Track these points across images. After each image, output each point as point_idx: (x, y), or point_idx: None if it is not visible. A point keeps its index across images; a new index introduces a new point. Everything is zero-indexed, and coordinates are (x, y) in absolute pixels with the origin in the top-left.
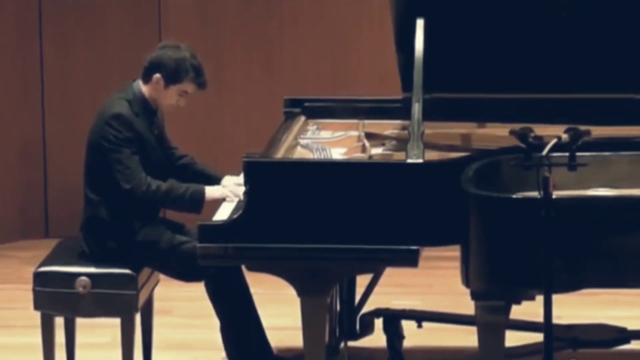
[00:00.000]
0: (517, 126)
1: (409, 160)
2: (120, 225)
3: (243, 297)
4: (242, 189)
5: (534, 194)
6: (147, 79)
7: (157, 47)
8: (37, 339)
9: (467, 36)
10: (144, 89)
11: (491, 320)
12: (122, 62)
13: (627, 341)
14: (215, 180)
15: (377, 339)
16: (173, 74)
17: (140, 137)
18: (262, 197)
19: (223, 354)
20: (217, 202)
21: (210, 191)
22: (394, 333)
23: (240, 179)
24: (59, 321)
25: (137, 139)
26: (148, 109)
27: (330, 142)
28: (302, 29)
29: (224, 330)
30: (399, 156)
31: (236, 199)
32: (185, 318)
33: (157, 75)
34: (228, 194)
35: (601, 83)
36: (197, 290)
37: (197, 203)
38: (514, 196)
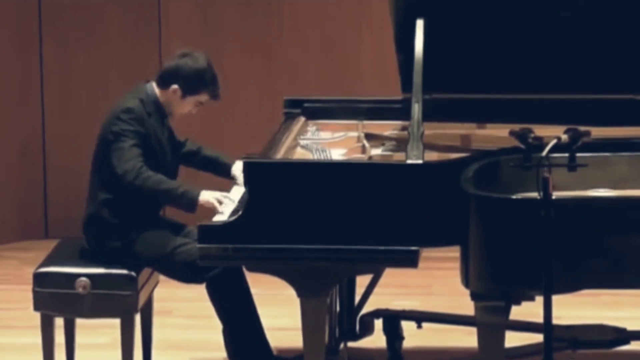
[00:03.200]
0: (516, 127)
1: (409, 161)
2: (122, 225)
3: (244, 298)
4: (234, 195)
5: (534, 194)
6: (163, 86)
7: (175, 55)
8: (37, 339)
9: (467, 37)
10: (159, 93)
11: (491, 320)
12: (122, 63)
13: (626, 342)
14: (225, 168)
15: (376, 339)
16: (191, 86)
17: (150, 135)
18: (262, 198)
19: (223, 354)
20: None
21: (205, 195)
22: (393, 334)
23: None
24: (59, 321)
25: (146, 136)
26: (160, 111)
27: (330, 142)
28: (302, 29)
29: (226, 331)
30: (398, 157)
31: (224, 210)
32: (185, 319)
33: (175, 86)
34: (219, 202)
35: (601, 84)
36: (197, 291)
37: (190, 201)
38: (514, 197)
